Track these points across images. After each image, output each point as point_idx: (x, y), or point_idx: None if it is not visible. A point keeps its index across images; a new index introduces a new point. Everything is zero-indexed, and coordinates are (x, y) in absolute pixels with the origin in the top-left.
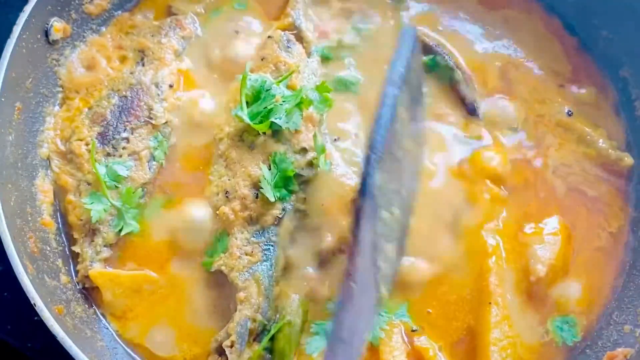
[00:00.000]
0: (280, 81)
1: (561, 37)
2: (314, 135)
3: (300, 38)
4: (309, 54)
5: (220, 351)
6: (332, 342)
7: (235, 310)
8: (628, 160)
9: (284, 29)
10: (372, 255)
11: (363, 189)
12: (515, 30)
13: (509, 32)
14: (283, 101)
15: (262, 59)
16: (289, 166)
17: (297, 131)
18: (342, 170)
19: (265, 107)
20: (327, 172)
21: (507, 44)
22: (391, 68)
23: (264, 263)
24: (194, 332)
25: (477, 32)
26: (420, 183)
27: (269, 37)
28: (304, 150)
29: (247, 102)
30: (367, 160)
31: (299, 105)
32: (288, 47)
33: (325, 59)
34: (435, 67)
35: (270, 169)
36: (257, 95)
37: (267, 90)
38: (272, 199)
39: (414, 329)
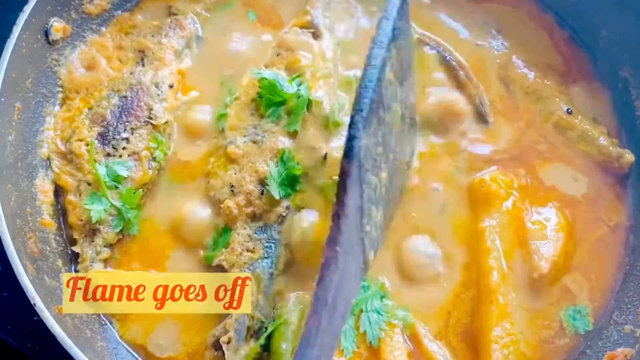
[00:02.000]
0: (293, 79)
1: (551, 30)
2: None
3: (316, 36)
4: (324, 52)
5: (218, 346)
6: (316, 304)
7: None
8: (629, 157)
9: (301, 27)
10: (358, 219)
11: (349, 151)
12: (506, 25)
13: (501, 27)
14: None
15: (277, 55)
16: (297, 165)
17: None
18: None
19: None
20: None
21: (500, 40)
22: (379, 29)
23: (265, 260)
24: (196, 324)
25: (471, 29)
26: (414, 150)
27: (285, 33)
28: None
29: (260, 97)
30: (353, 122)
31: (307, 105)
32: (304, 44)
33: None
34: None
35: (277, 166)
36: (272, 90)
37: (280, 87)
38: (277, 197)
39: None
